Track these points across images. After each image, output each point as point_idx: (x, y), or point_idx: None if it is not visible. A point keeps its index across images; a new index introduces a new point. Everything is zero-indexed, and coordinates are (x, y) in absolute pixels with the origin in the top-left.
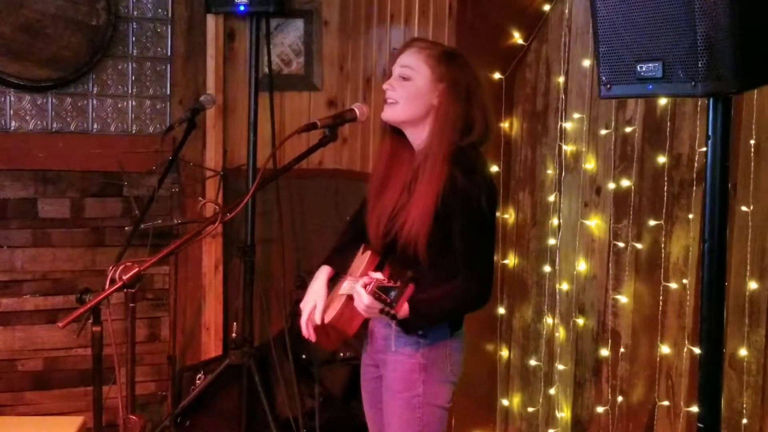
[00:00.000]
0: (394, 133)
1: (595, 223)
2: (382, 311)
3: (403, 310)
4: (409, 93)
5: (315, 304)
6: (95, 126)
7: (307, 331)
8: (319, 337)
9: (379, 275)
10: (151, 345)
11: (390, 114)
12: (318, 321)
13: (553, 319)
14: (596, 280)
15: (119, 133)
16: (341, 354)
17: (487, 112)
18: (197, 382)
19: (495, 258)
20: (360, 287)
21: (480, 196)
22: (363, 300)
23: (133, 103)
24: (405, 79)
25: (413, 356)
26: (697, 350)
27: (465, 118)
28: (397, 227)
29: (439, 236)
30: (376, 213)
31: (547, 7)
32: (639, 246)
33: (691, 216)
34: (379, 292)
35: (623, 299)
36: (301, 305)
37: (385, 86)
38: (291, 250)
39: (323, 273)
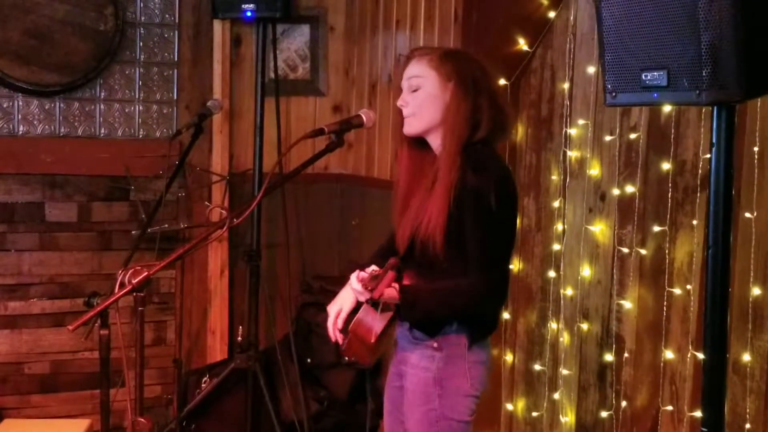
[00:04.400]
0: (412, 144)
1: (599, 229)
2: (367, 301)
3: (385, 294)
4: (421, 101)
5: (340, 308)
6: (103, 130)
7: (333, 335)
8: (349, 353)
9: (373, 267)
10: (157, 348)
11: (411, 128)
12: (339, 326)
13: (558, 324)
14: (600, 285)
15: (126, 137)
16: (346, 358)
17: (497, 101)
18: (203, 385)
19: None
20: (353, 277)
21: (489, 193)
22: (354, 287)
23: (141, 107)
24: (414, 90)
25: (428, 370)
26: (700, 355)
27: (473, 110)
28: (416, 225)
29: (455, 235)
30: (402, 223)
31: (552, 14)
32: (643, 252)
33: (695, 222)
34: (367, 282)
35: (627, 305)
36: (328, 308)
37: (399, 103)
38: (296, 254)
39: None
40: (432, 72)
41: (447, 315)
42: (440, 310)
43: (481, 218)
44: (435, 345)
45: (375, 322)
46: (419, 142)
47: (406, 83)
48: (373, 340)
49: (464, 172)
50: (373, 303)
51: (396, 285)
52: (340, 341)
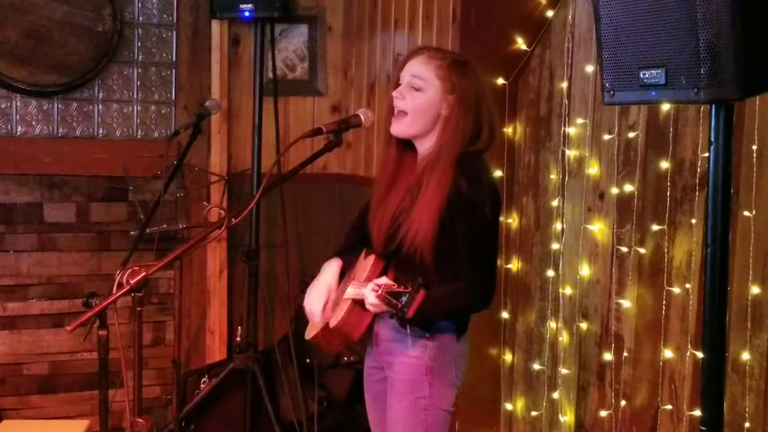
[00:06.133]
0: (399, 142)
1: (598, 228)
2: (392, 315)
3: (385, 307)
4: (419, 104)
5: (328, 297)
6: (101, 131)
7: (314, 317)
8: (321, 342)
9: (386, 280)
10: (156, 349)
11: (400, 129)
12: (329, 315)
13: (557, 323)
14: (599, 284)
15: (125, 138)
16: (345, 358)
17: (493, 120)
18: (202, 386)
19: (498, 263)
20: (369, 292)
21: (484, 203)
22: (370, 300)
23: (139, 108)
24: (416, 89)
25: (421, 358)
26: (699, 354)
27: (474, 127)
28: (402, 233)
29: (444, 242)
30: (377, 218)
31: (550, 13)
32: (642, 251)
33: (693, 221)
34: (389, 297)
35: (626, 303)
36: (310, 291)
37: (394, 94)
38: (295, 254)
39: (335, 266)
40: (437, 81)
41: (449, 319)
42: (441, 316)
43: (476, 226)
44: (428, 335)
45: (363, 319)
46: (403, 141)
47: (407, 78)
48: (358, 337)
49: (458, 182)
50: (406, 321)
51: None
52: (318, 320)
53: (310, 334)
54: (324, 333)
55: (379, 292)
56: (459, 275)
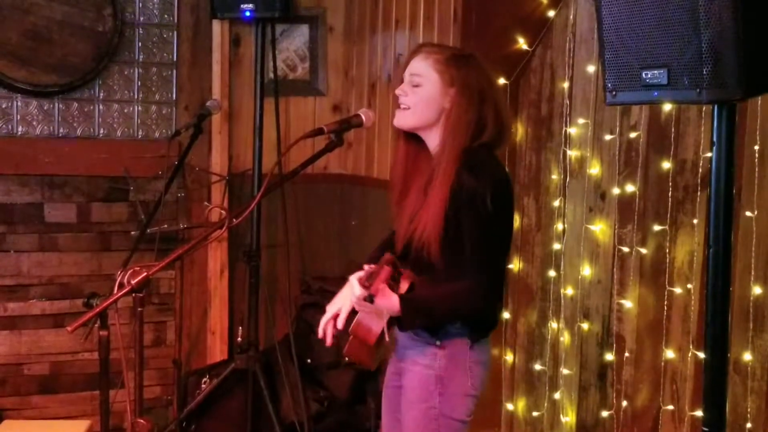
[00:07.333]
0: (408, 138)
1: (599, 228)
2: (365, 299)
3: (386, 296)
4: (420, 98)
5: (340, 309)
6: (101, 131)
7: (322, 332)
8: (352, 355)
9: (367, 267)
10: (157, 349)
11: (401, 120)
12: (340, 326)
13: (558, 323)
14: (601, 284)
15: (125, 138)
16: (346, 358)
17: (500, 112)
18: (203, 386)
19: None
20: (353, 279)
21: (485, 194)
22: (354, 291)
23: (139, 108)
24: (415, 85)
25: (430, 368)
26: (701, 355)
27: (478, 120)
28: (412, 230)
29: (451, 237)
30: (398, 221)
31: (551, 13)
32: (644, 251)
33: (695, 221)
34: (365, 280)
35: (628, 304)
36: (327, 308)
37: (397, 91)
38: (296, 254)
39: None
40: (435, 75)
41: (447, 320)
42: (441, 318)
43: (477, 219)
44: (438, 343)
45: (374, 323)
46: (415, 137)
47: (407, 76)
48: (373, 342)
49: (460, 174)
50: (370, 298)
51: (396, 296)
52: (329, 341)
53: (344, 349)
54: (350, 343)
55: (361, 277)
56: (464, 272)
